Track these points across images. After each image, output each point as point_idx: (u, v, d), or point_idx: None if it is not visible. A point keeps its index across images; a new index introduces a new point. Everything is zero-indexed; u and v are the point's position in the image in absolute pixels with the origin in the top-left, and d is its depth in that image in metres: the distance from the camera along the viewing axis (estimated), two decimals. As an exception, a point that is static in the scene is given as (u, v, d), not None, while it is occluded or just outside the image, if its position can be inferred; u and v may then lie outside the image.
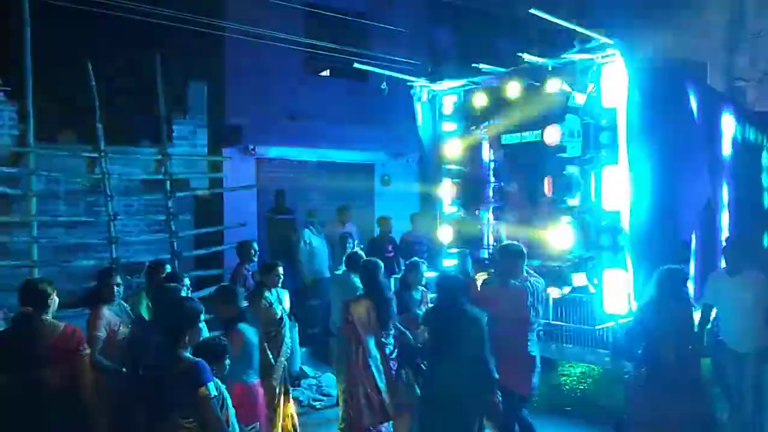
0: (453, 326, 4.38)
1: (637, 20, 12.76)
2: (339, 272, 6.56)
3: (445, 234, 7.68)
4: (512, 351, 4.80)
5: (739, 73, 18.30)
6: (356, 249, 7.10)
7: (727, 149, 7.59)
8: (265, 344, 5.15)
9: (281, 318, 5.42)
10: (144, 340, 4.21)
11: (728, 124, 7.69)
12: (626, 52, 5.78)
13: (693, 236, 6.56)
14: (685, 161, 6.45)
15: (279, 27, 10.15)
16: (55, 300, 4.05)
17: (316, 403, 6.89)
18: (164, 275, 5.27)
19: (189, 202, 9.30)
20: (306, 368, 7.70)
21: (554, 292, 6.36)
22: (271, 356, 5.21)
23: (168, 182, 8.46)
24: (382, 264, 5.41)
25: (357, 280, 6.28)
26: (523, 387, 4.99)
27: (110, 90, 8.35)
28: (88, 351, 4.00)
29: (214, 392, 3.28)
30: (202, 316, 3.62)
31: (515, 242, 5.55)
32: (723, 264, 5.93)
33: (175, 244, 8.32)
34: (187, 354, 3.40)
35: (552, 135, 6.30)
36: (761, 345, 5.22)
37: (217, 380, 3.42)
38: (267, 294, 5.41)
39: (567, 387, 7.39)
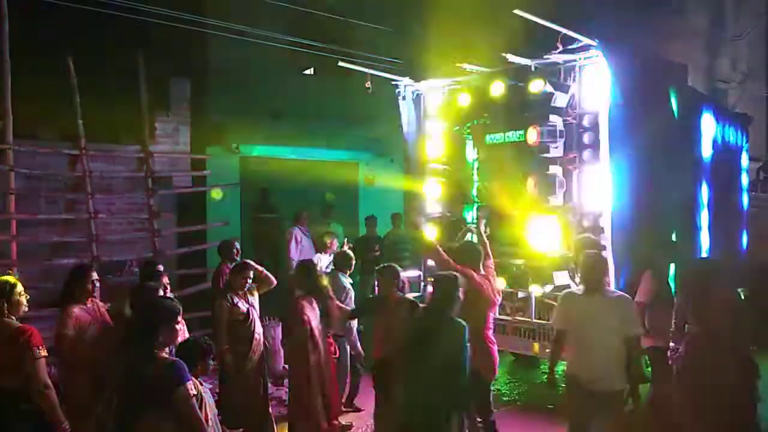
0: (436, 334, 4.26)
1: (619, 22, 12.88)
2: (328, 271, 6.58)
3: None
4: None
5: (720, 75, 18.57)
6: (345, 248, 7.12)
7: (707, 150, 7.69)
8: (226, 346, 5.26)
9: (248, 316, 5.40)
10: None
11: (709, 125, 7.79)
12: (608, 53, 5.83)
13: (673, 235, 6.64)
14: (666, 161, 6.52)
15: (263, 25, 10.10)
16: (17, 299, 3.98)
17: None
18: (150, 274, 5.24)
19: (171, 201, 9.22)
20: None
21: (536, 291, 6.42)
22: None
23: (150, 180, 8.39)
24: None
25: (344, 280, 6.29)
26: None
27: (92, 87, 8.25)
28: (42, 353, 3.90)
29: (194, 392, 3.26)
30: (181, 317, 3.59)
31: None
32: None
33: (157, 242, 8.24)
34: (164, 353, 3.37)
35: (533, 136, 6.34)
36: (617, 388, 4.35)
37: (196, 380, 3.41)
38: (233, 295, 5.40)
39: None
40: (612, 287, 5.28)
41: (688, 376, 4.61)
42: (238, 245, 6.82)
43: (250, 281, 5.50)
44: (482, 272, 5.27)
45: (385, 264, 5.54)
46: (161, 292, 4.92)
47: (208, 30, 9.82)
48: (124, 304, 4.93)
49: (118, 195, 8.60)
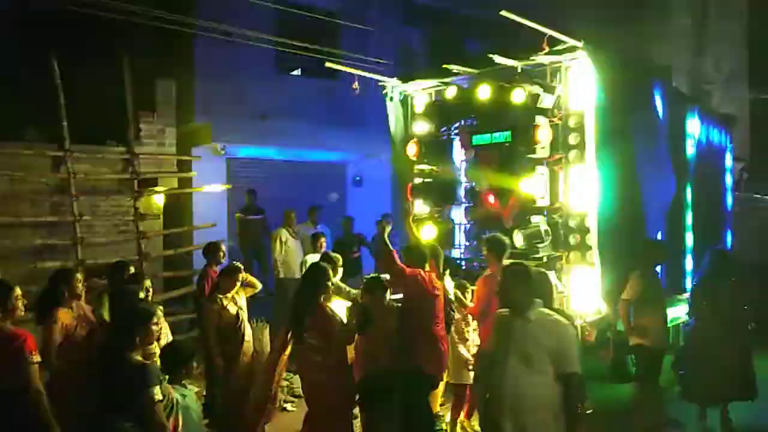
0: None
1: (604, 23, 12.98)
2: None
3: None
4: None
5: (704, 76, 18.75)
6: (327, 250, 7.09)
7: (691, 150, 7.77)
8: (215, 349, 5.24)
9: (237, 319, 5.37)
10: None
11: (693, 126, 7.86)
12: (594, 55, 5.86)
13: (659, 235, 6.70)
14: (651, 162, 6.57)
15: (250, 25, 10.06)
16: (12, 303, 3.94)
17: (288, 405, 6.83)
18: (126, 276, 5.18)
19: (158, 202, 9.14)
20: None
21: None
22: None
23: (135, 182, 8.32)
24: None
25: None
26: None
27: (76, 88, 8.17)
28: (36, 359, 3.86)
29: (159, 396, 3.25)
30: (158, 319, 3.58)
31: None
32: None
33: (142, 245, 8.17)
34: (138, 356, 3.37)
35: (527, 136, 6.35)
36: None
37: (169, 386, 3.40)
38: (222, 299, 5.36)
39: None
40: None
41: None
42: (224, 247, 6.78)
43: (239, 284, 5.48)
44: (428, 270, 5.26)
45: (372, 278, 5.34)
46: (143, 296, 4.88)
47: (195, 31, 9.76)
48: (101, 306, 4.90)
49: (103, 197, 8.51)
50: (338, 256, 6.28)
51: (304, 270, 7.45)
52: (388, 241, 5.17)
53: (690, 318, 6.22)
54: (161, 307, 5.23)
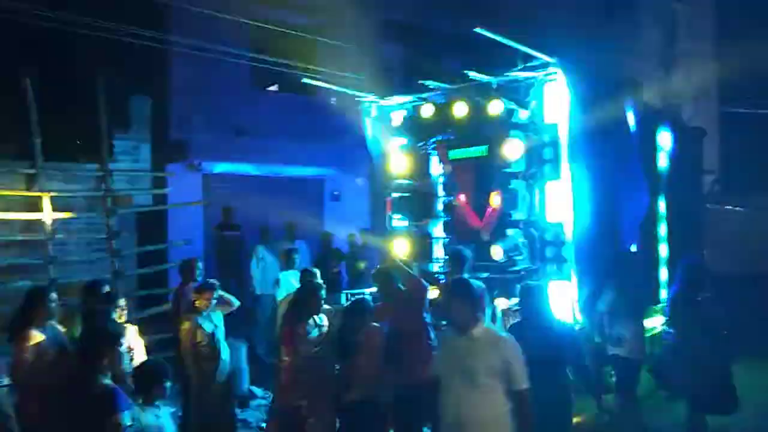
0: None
1: (577, 39, 13.22)
2: (292, 290, 6.26)
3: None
4: None
5: (674, 90, 19.18)
6: (308, 267, 6.94)
7: (663, 163, 7.91)
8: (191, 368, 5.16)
9: (213, 338, 5.30)
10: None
11: (664, 139, 8.01)
12: (567, 70, 5.96)
13: (633, 247, 6.79)
14: (624, 175, 6.67)
15: (226, 41, 10.04)
16: None
17: (264, 424, 6.74)
18: (101, 296, 5.09)
19: (131, 220, 9.02)
20: (254, 389, 7.54)
21: (502, 304, 6.46)
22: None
23: (109, 199, 8.21)
24: None
25: None
26: None
27: (49, 105, 8.06)
28: (4, 382, 3.79)
29: (127, 422, 3.19)
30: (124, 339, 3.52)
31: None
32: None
33: (116, 263, 8.04)
34: (106, 379, 3.30)
35: (503, 150, 6.41)
36: None
37: (138, 409, 3.33)
38: (197, 317, 5.29)
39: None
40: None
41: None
42: (200, 265, 6.70)
43: (214, 301, 5.41)
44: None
45: (356, 300, 5.26)
46: (117, 315, 4.79)
47: (169, 47, 9.71)
48: (74, 326, 4.80)
49: (76, 215, 8.38)
50: (316, 271, 6.20)
51: (278, 287, 7.44)
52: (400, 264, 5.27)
53: (669, 328, 6.18)
54: (136, 327, 5.15)
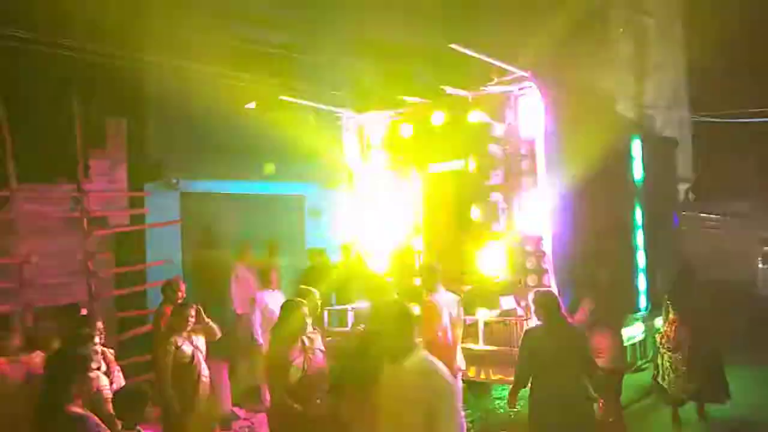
0: None
1: (550, 52, 13.42)
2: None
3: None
4: None
5: (647, 100, 19.55)
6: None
7: (638, 173, 8.04)
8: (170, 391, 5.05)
9: (193, 359, 5.22)
10: None
11: (638, 149, 8.15)
12: (540, 84, 6.05)
13: (611, 256, 6.86)
14: (601, 186, 6.76)
15: (203, 59, 10.01)
16: None
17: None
18: (78, 319, 5.00)
19: (108, 241, 8.89)
20: (236, 410, 7.44)
21: (484, 316, 6.48)
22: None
23: (85, 220, 8.09)
24: None
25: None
26: None
27: (23, 125, 7.95)
28: None
29: None
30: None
31: None
32: None
33: (93, 284, 7.91)
34: (74, 406, 3.20)
35: (480, 164, 6.48)
36: None
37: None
38: (176, 337, 5.22)
39: (501, 410, 7.47)
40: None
41: None
42: (181, 285, 6.62)
43: (192, 320, 5.33)
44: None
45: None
46: (96, 339, 4.70)
47: (146, 65, 9.64)
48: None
49: (51, 237, 8.23)
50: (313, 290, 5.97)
51: (254, 306, 7.36)
52: None
53: (663, 325, 6.72)
54: (111, 350, 5.05)
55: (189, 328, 5.30)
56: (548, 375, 4.52)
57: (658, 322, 7.99)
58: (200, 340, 5.41)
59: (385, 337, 3.25)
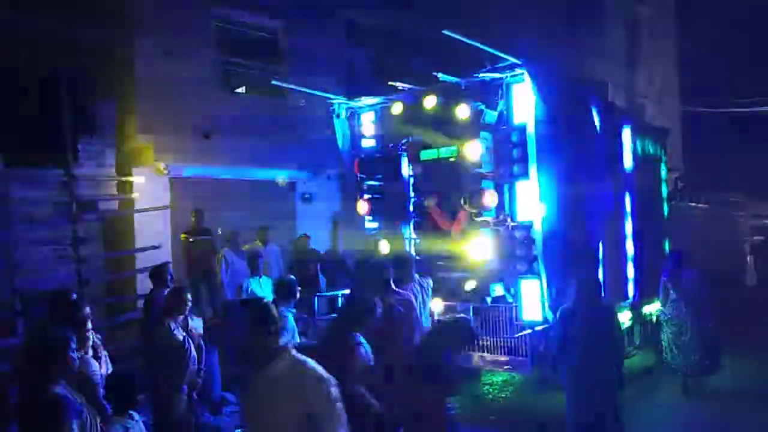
0: None
1: (543, 40, 13.40)
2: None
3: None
4: None
5: (638, 90, 19.60)
6: (289, 275, 6.77)
7: (628, 162, 8.07)
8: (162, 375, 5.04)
9: (184, 343, 5.22)
10: None
11: (629, 139, 8.18)
12: (533, 72, 6.04)
13: (600, 245, 6.91)
14: (591, 174, 6.79)
15: (193, 43, 9.92)
16: None
17: (239, 431, 6.67)
18: (68, 304, 4.97)
19: (97, 226, 8.84)
20: (227, 395, 7.46)
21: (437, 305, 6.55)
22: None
23: (74, 205, 8.03)
24: None
25: (288, 313, 5.43)
26: None
27: (11, 108, 7.85)
28: None
29: (76, 430, 3.07)
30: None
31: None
32: None
33: (81, 270, 7.87)
34: (57, 387, 3.17)
35: (472, 151, 6.46)
36: None
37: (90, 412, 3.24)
38: (171, 322, 5.21)
39: (490, 396, 7.54)
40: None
41: None
42: (171, 270, 6.60)
43: (189, 304, 5.32)
44: None
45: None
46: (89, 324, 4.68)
47: (135, 49, 9.54)
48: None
49: (40, 222, 8.17)
50: (292, 279, 5.81)
51: (243, 294, 7.36)
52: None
53: (663, 306, 7.55)
54: (99, 336, 5.03)
55: (185, 311, 5.29)
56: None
57: (647, 309, 8.13)
58: (196, 323, 5.40)
59: (243, 340, 2.91)
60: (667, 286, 7.45)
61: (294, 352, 2.83)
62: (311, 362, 2.77)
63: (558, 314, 5.48)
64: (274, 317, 2.88)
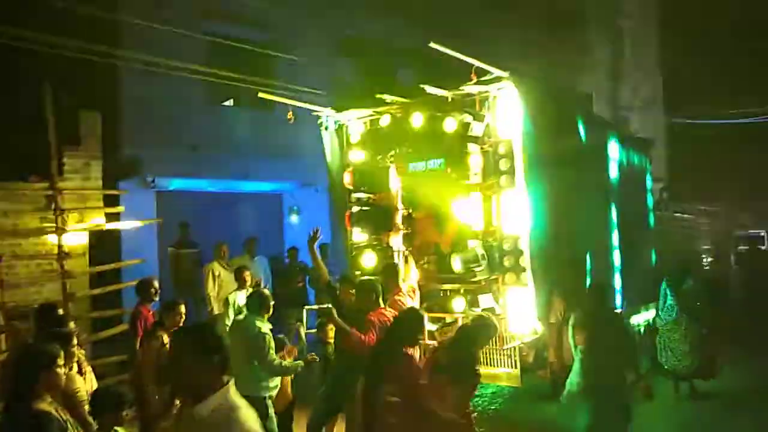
0: None
1: (529, 54, 13.54)
2: (240, 317, 5.84)
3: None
4: None
5: (623, 102, 19.84)
6: (265, 287, 6.82)
7: (614, 173, 8.14)
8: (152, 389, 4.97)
9: None
10: None
11: (614, 150, 8.26)
12: (519, 84, 6.09)
13: (588, 255, 6.95)
14: (577, 185, 6.84)
15: (179, 56, 9.90)
16: None
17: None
18: (54, 319, 4.90)
19: (83, 240, 8.74)
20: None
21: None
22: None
23: (59, 219, 7.94)
24: None
25: (259, 324, 5.39)
26: None
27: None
28: None
29: None
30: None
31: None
32: None
33: (67, 284, 7.78)
34: (41, 403, 3.11)
35: (467, 162, 6.52)
36: None
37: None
38: (162, 334, 5.15)
39: (480, 408, 7.51)
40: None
41: None
42: (156, 284, 6.54)
43: (183, 317, 5.27)
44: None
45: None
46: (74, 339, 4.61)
47: (121, 62, 9.51)
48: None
49: (24, 235, 8.07)
50: (265, 292, 5.79)
51: (230, 308, 7.31)
52: (338, 321, 4.99)
53: (660, 312, 7.75)
54: (83, 351, 4.96)
55: (179, 324, 5.23)
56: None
57: (635, 319, 8.19)
58: None
59: (175, 374, 2.60)
60: (667, 292, 7.65)
61: (232, 392, 2.43)
62: (245, 412, 2.40)
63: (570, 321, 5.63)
64: (220, 347, 2.48)
